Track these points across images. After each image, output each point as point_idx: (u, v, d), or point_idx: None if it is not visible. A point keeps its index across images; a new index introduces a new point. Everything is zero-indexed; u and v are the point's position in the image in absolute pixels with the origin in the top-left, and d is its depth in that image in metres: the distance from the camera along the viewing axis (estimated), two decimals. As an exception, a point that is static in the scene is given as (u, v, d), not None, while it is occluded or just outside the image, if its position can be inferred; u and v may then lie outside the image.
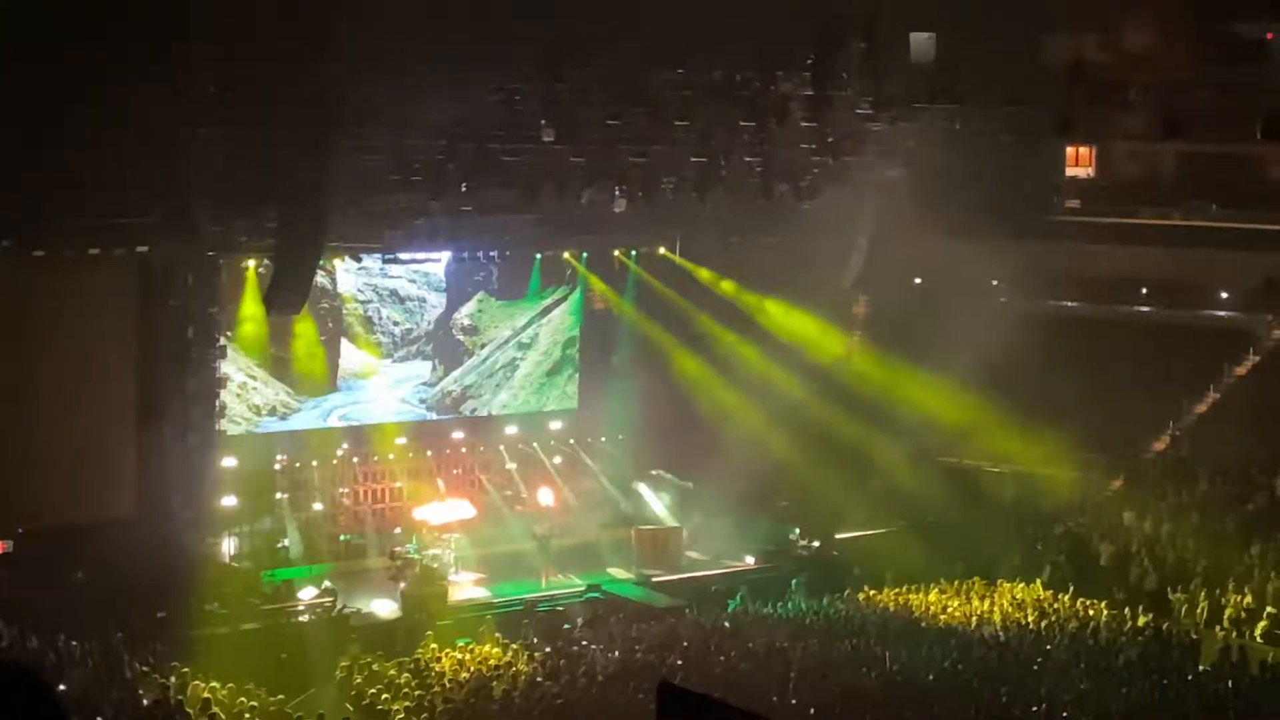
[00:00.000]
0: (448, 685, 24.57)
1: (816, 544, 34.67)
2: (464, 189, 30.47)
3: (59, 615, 25.91)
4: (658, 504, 37.07)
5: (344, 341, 36.29)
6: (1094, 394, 35.06)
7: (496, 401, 38.61)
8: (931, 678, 24.68)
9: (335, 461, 35.65)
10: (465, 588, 32.64)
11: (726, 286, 38.41)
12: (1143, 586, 30.86)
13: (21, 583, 27.86)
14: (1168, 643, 27.26)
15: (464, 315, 38.09)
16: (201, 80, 26.52)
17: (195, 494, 31.41)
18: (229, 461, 33.19)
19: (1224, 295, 39.40)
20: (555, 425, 38.99)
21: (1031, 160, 39.86)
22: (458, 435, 37.61)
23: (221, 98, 26.91)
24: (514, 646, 27.16)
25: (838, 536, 35.10)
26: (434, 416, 37.75)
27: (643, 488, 37.68)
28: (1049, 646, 26.74)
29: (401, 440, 36.70)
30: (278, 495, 34.34)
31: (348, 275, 35.83)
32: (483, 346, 38.47)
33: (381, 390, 36.98)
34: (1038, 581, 31.33)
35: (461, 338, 38.19)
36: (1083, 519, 34.08)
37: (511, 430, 38.26)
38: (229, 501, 32.80)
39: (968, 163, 34.71)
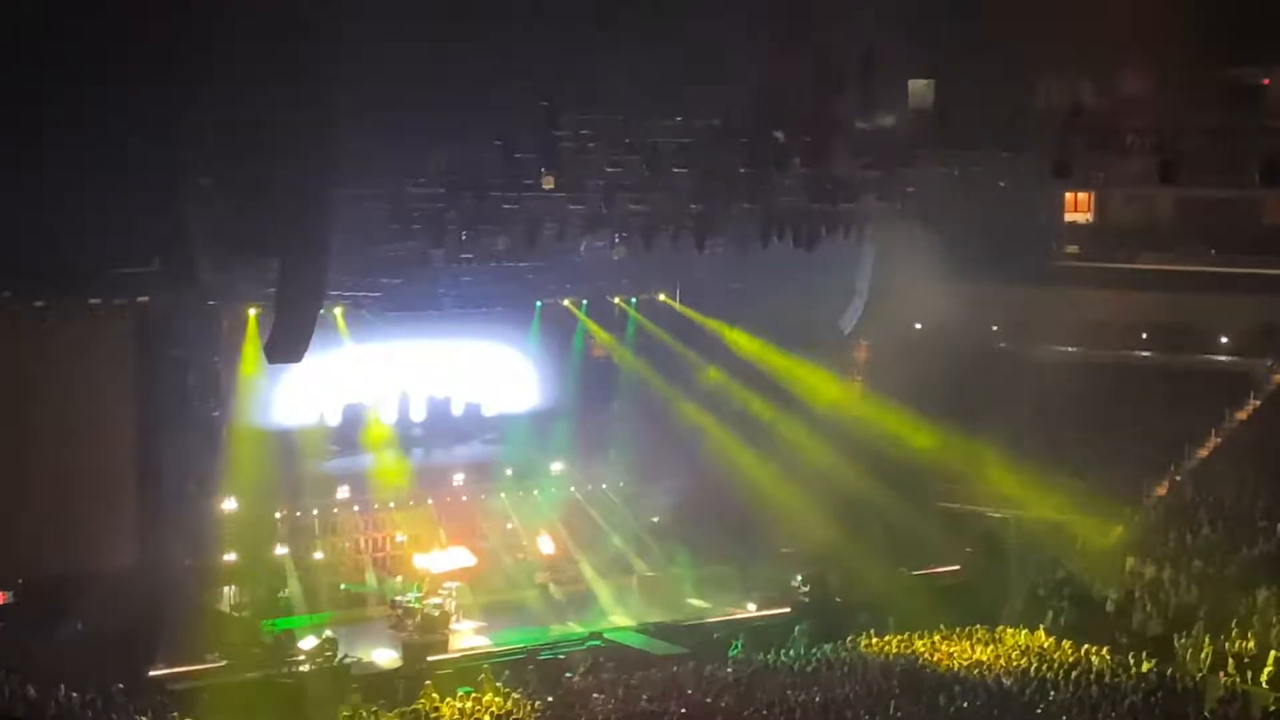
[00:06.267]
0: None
1: (819, 590, 34.52)
2: (463, 237, 30.52)
3: (58, 665, 25.83)
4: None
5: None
6: (1095, 439, 35.01)
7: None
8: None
9: (335, 509, 35.54)
10: (466, 636, 32.56)
11: (726, 333, 38.44)
12: (1145, 631, 30.75)
13: (21, 633, 27.83)
14: (1171, 688, 27.11)
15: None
16: (201, 130, 26.58)
17: (195, 543, 31.33)
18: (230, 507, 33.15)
19: (1224, 339, 39.42)
20: (556, 472, 38.91)
21: (1030, 206, 39.90)
22: (458, 481, 37.48)
23: (221, 147, 26.97)
24: (515, 695, 27.05)
25: (840, 582, 34.98)
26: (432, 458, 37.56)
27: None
28: (1052, 692, 26.59)
29: (401, 495, 36.45)
30: (277, 545, 34.25)
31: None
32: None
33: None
34: (1040, 627, 31.21)
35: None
36: (1085, 564, 33.95)
37: (511, 477, 38.19)
38: (229, 552, 32.73)
39: (967, 209, 34.77)
